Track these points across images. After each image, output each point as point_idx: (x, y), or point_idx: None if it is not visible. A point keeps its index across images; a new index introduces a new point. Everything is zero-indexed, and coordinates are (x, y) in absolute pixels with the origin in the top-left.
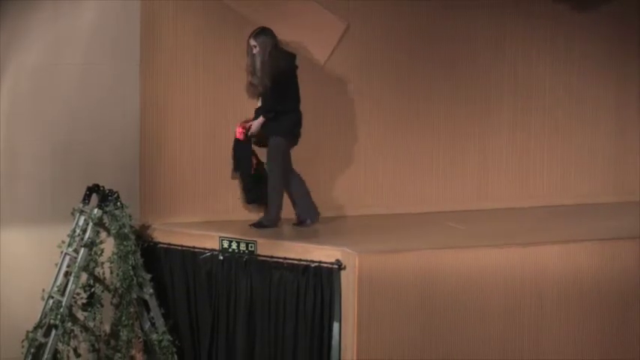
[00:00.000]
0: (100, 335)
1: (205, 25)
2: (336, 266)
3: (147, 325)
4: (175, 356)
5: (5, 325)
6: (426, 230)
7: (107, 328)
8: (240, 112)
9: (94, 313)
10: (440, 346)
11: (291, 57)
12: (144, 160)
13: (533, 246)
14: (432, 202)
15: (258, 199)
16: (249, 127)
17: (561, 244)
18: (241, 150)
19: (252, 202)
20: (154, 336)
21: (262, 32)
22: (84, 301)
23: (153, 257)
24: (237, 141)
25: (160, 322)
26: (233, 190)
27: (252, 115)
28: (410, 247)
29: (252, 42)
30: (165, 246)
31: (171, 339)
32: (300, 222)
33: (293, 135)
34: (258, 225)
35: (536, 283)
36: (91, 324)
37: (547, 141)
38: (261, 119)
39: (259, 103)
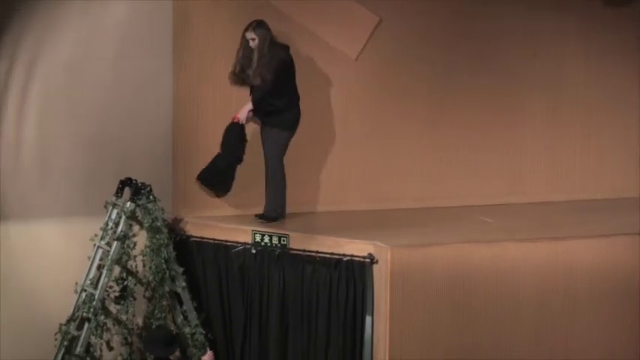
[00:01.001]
0: (132, 328)
1: (238, 18)
2: (368, 260)
3: (180, 319)
4: (208, 349)
5: (39, 318)
6: (457, 224)
7: (140, 321)
8: None
9: (127, 306)
10: (472, 340)
11: (288, 49)
12: (177, 154)
13: (564, 240)
14: (463, 195)
15: (212, 184)
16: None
17: (593, 239)
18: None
19: (208, 183)
20: (187, 329)
21: (260, 25)
22: (116, 294)
23: (185, 251)
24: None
25: (192, 316)
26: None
27: None
28: (442, 240)
29: (251, 34)
30: (198, 239)
31: (203, 332)
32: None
33: (294, 129)
34: (267, 219)
35: (568, 278)
36: (123, 317)
37: (579, 135)
38: (248, 107)
39: (244, 109)
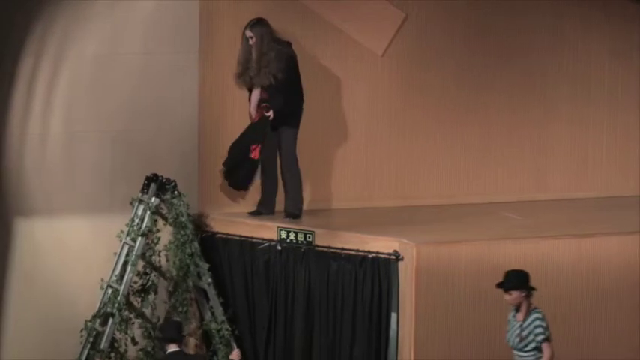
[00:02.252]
0: (155, 322)
1: (264, 14)
2: (393, 257)
3: (207, 315)
4: (234, 345)
5: (64, 314)
6: (483, 221)
7: (162, 315)
8: None
9: (149, 300)
10: (497, 337)
11: (290, 45)
12: (202, 150)
13: (590, 237)
14: (489, 192)
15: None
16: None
17: (619, 236)
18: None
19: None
20: (213, 325)
21: (258, 23)
22: (139, 287)
23: (211, 247)
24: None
25: (218, 312)
26: None
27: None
28: (467, 237)
29: (249, 33)
30: (224, 236)
31: (229, 329)
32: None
33: (299, 125)
34: (294, 216)
35: (593, 274)
36: (146, 310)
37: (605, 131)
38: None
39: (254, 95)
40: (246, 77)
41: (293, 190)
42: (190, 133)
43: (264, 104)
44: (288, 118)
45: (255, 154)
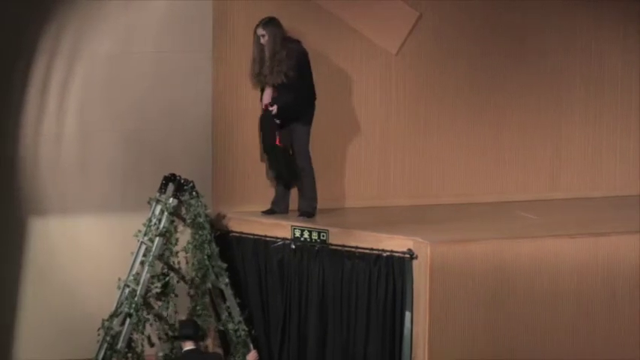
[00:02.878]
0: (173, 324)
1: (277, 14)
2: (408, 256)
3: (223, 315)
4: (251, 346)
5: (79, 313)
6: (497, 220)
7: (181, 317)
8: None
9: (168, 302)
10: (511, 335)
11: (300, 43)
12: (216, 149)
13: (604, 236)
14: (503, 191)
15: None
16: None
17: (633, 234)
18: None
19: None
20: (230, 325)
21: (270, 21)
22: (158, 290)
23: (225, 246)
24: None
25: (235, 312)
26: None
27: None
28: (481, 236)
29: (261, 31)
30: (238, 235)
31: (246, 329)
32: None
33: (312, 123)
34: (308, 215)
35: (607, 273)
36: (164, 313)
37: (619, 131)
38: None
39: (267, 94)
40: (261, 77)
41: (307, 188)
42: (204, 132)
43: (270, 102)
44: (300, 115)
45: (277, 141)
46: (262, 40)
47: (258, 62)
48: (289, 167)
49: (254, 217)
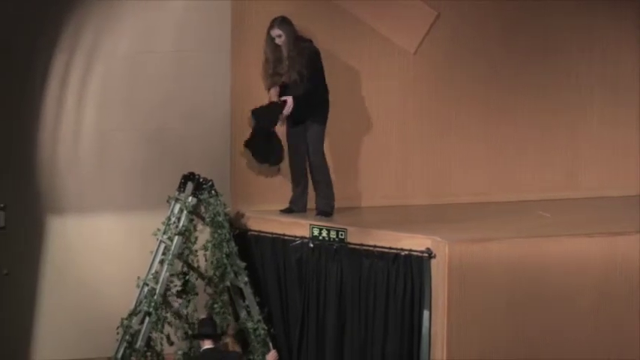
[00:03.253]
0: (193, 323)
1: (296, 14)
2: (426, 255)
3: (242, 314)
4: (271, 345)
5: (97, 312)
6: (515, 219)
7: (201, 315)
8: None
9: (188, 301)
10: (530, 335)
11: (312, 42)
12: (234, 148)
13: (622, 235)
14: (521, 190)
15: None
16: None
17: None
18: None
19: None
20: (249, 324)
21: (285, 21)
22: (178, 288)
23: (243, 244)
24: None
25: (254, 311)
26: None
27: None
28: (500, 235)
29: (277, 31)
30: (256, 233)
31: (265, 328)
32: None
33: (326, 122)
34: (326, 214)
35: (625, 272)
36: (184, 311)
37: (636, 131)
38: (291, 103)
39: (274, 93)
40: (275, 77)
41: (323, 187)
42: (223, 131)
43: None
44: (313, 113)
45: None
46: (278, 41)
47: (273, 62)
48: (276, 152)
49: (272, 215)
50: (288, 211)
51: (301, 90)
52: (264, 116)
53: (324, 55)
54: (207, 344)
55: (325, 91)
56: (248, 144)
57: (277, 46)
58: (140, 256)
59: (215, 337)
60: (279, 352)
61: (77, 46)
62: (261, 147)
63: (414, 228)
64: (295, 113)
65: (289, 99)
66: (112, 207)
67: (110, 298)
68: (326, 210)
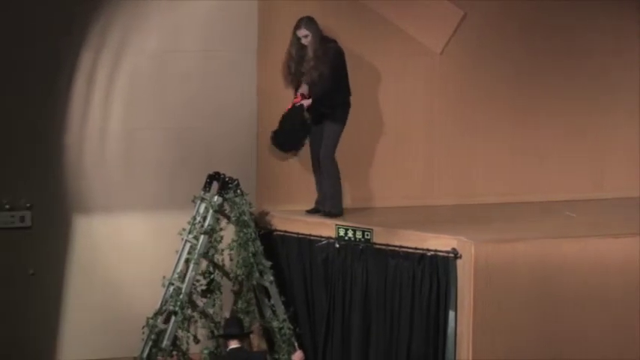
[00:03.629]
0: (219, 322)
1: (322, 15)
2: (452, 255)
3: (268, 313)
4: (296, 345)
5: (126, 312)
6: (542, 219)
7: (226, 314)
8: (355, 99)
9: (214, 300)
10: (556, 335)
11: (336, 42)
12: (261, 147)
13: None
14: (547, 191)
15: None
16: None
17: None
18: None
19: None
20: (275, 323)
21: (311, 21)
22: (203, 287)
23: (269, 244)
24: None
25: (280, 310)
26: (349, 177)
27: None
28: (526, 236)
29: (304, 31)
30: (282, 233)
31: (291, 327)
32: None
33: (345, 123)
34: (331, 215)
35: None
36: (210, 310)
37: None
38: (308, 101)
39: (301, 90)
40: (297, 75)
41: (329, 187)
42: (249, 130)
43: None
44: (333, 113)
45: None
46: (304, 41)
47: (297, 62)
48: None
49: (298, 215)
50: (314, 211)
51: (319, 90)
52: (291, 120)
53: (350, 55)
54: (233, 344)
55: (347, 92)
56: (279, 131)
57: (303, 46)
58: (166, 256)
59: (241, 337)
60: (304, 351)
61: (104, 45)
62: (293, 134)
63: (439, 228)
64: (313, 113)
65: (303, 101)
66: (138, 206)
67: (135, 298)
68: (332, 212)
